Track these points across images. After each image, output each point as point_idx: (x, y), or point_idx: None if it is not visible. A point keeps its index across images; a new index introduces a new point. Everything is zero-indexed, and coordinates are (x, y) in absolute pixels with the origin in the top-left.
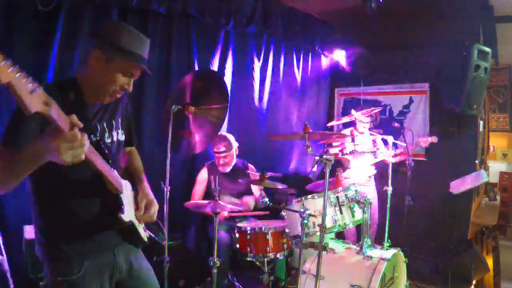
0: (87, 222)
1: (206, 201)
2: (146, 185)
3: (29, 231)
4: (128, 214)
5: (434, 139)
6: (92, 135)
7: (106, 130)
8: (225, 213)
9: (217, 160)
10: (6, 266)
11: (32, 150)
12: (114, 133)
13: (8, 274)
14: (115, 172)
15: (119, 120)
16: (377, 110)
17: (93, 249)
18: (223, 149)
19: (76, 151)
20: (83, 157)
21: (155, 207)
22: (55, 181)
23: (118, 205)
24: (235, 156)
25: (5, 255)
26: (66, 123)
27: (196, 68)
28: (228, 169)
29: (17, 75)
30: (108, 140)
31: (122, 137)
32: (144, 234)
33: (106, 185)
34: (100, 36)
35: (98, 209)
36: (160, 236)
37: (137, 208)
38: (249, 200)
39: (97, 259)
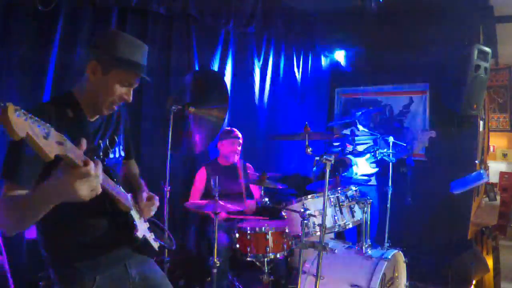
0: (98, 240)
1: (206, 201)
2: (146, 190)
3: (29, 231)
4: (141, 229)
5: (432, 133)
6: (95, 156)
7: (109, 146)
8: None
9: (232, 147)
10: (6, 266)
11: (46, 193)
12: (117, 149)
13: (8, 274)
14: (121, 188)
15: (121, 136)
16: (377, 111)
17: (104, 263)
18: (240, 136)
19: (92, 185)
20: (99, 189)
21: (156, 198)
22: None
23: (130, 223)
24: None
25: (5, 255)
26: (80, 158)
27: (196, 68)
28: (236, 158)
29: (32, 123)
30: (111, 156)
31: (123, 153)
32: (155, 244)
33: (116, 204)
34: (95, 47)
35: (108, 226)
36: (167, 242)
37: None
38: (252, 204)
39: (109, 273)
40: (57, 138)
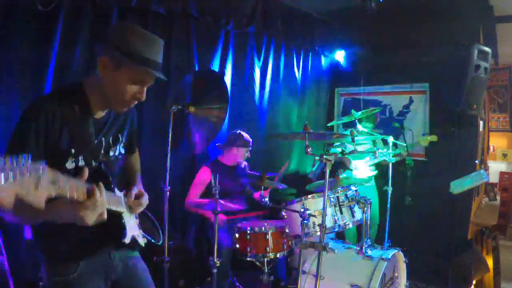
0: (86, 239)
1: (206, 200)
2: (140, 186)
3: (29, 231)
4: (130, 230)
5: (433, 138)
6: (93, 160)
7: (111, 144)
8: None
9: (246, 155)
10: (6, 266)
11: (59, 216)
12: (118, 146)
13: (8, 274)
14: (116, 191)
15: (125, 133)
16: (377, 110)
17: (89, 251)
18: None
19: (98, 211)
20: (105, 214)
21: (145, 197)
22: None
23: (120, 226)
24: None
25: (5, 255)
26: (81, 192)
27: (196, 68)
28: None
29: (20, 175)
30: (111, 154)
31: (123, 150)
32: (142, 240)
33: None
34: (107, 41)
35: (97, 227)
36: (155, 237)
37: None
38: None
39: (92, 261)
40: (50, 177)
